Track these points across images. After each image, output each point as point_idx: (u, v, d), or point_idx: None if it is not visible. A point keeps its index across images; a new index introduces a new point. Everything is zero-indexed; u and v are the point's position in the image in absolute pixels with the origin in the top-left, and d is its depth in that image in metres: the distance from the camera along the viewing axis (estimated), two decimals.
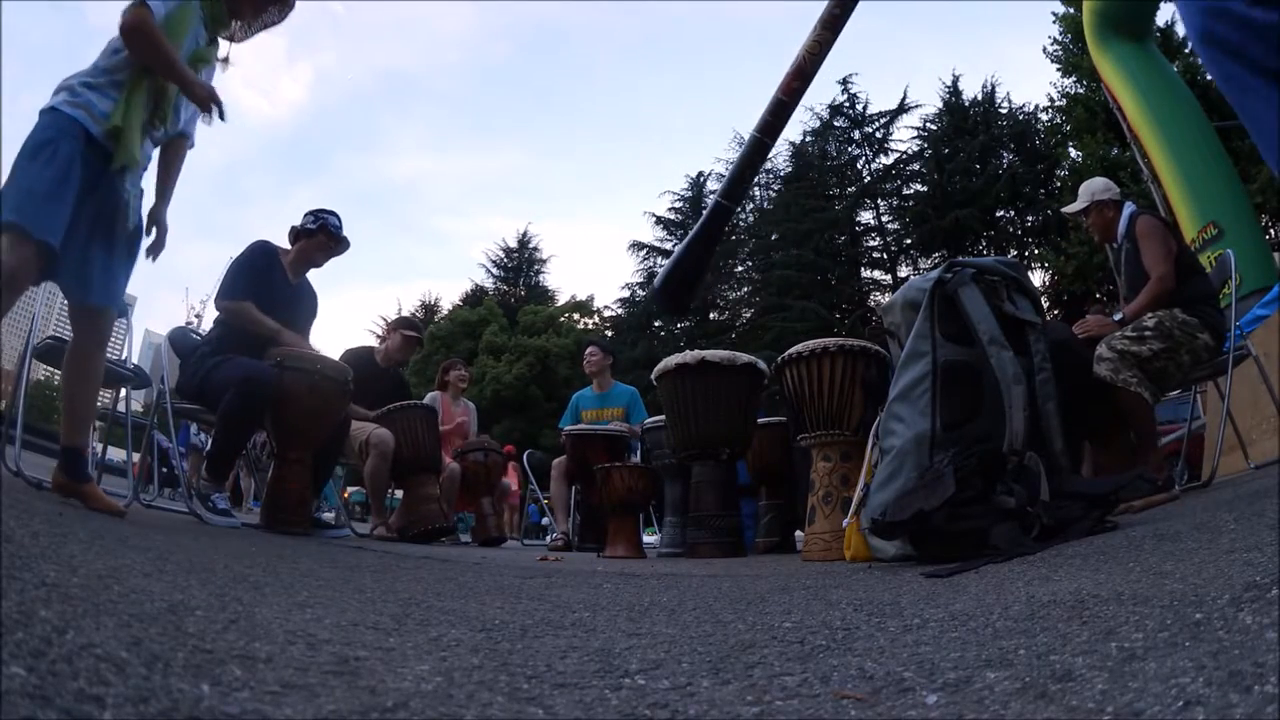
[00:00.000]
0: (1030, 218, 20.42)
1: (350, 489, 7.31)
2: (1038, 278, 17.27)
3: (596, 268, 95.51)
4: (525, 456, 6.96)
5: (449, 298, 30.59)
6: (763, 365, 3.49)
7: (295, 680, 0.58)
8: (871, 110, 22.62)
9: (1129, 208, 3.07)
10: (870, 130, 22.76)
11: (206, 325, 3.51)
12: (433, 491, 3.90)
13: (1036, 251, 18.41)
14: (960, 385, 1.98)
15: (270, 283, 3.06)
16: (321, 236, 3.18)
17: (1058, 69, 16.27)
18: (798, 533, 3.64)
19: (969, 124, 21.58)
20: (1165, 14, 9.86)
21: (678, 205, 26.13)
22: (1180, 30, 13.13)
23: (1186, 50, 13.07)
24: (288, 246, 3.21)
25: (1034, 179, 20.11)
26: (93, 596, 0.76)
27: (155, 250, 2.30)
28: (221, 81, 2.33)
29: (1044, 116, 19.35)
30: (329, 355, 3.26)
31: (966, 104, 22.03)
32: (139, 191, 2.13)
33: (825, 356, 2.68)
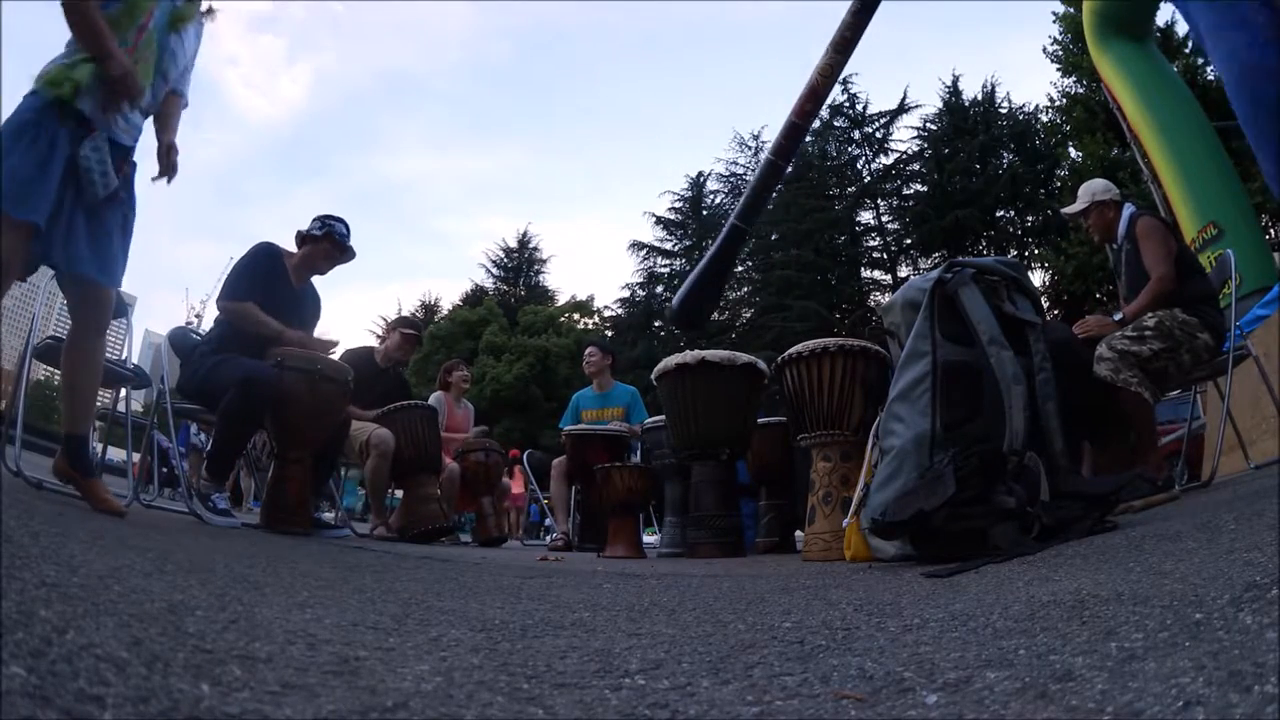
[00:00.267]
0: (1030, 218, 20.42)
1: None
2: (1038, 278, 17.27)
3: (596, 268, 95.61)
4: (525, 456, 6.95)
5: (449, 298, 30.62)
6: (763, 365, 3.49)
7: (295, 680, 0.58)
8: (871, 110, 22.63)
9: (1129, 208, 3.07)
10: (870, 130, 22.76)
11: (206, 325, 3.50)
12: (433, 491, 3.90)
13: (1036, 251, 18.40)
14: (960, 385, 1.98)
15: (273, 286, 3.05)
16: (326, 244, 3.16)
17: (1058, 69, 16.27)
18: (798, 533, 3.64)
19: (969, 124, 21.57)
20: (1165, 14, 9.86)
21: (678, 205, 26.15)
22: (1180, 30, 13.13)
23: (1187, 50, 13.07)
24: (293, 249, 3.20)
25: (1034, 179, 20.10)
26: (93, 596, 0.76)
27: (168, 174, 2.26)
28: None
29: (1044, 116, 19.34)
30: (329, 355, 3.26)
31: (966, 104, 22.02)
32: (102, 157, 2.04)
33: (825, 356, 2.68)
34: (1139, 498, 2.14)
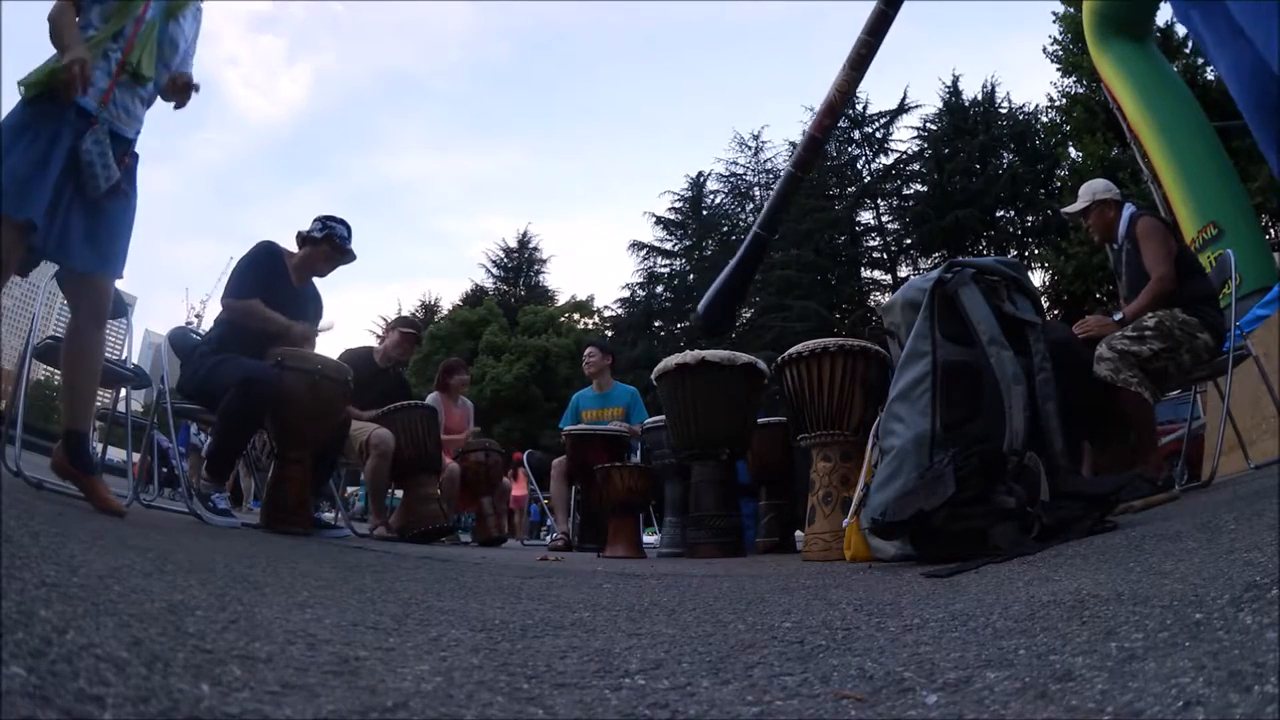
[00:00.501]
0: (1030, 218, 20.42)
1: (350, 489, 7.31)
2: (1038, 278, 17.27)
3: (596, 268, 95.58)
4: (525, 456, 6.95)
5: (449, 298, 30.64)
6: (763, 365, 3.49)
7: (295, 680, 0.58)
8: (871, 110, 22.62)
9: (1129, 209, 3.06)
10: (870, 130, 22.76)
11: (206, 325, 3.50)
12: (433, 491, 3.90)
13: (1036, 251, 18.41)
14: (960, 385, 1.98)
15: (275, 284, 3.05)
16: (326, 246, 3.15)
17: (1058, 69, 16.27)
18: (798, 533, 3.64)
19: (969, 124, 21.58)
20: (1165, 14, 9.86)
21: (678, 205, 26.16)
22: (1180, 30, 13.12)
23: (1187, 50, 13.07)
24: (294, 250, 3.20)
25: (1034, 179, 20.11)
26: (93, 596, 0.76)
27: (181, 101, 2.28)
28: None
29: (1044, 116, 19.35)
30: (329, 355, 3.26)
31: (966, 104, 22.03)
32: (104, 150, 2.06)
33: (825, 356, 2.68)
34: (1139, 498, 2.14)
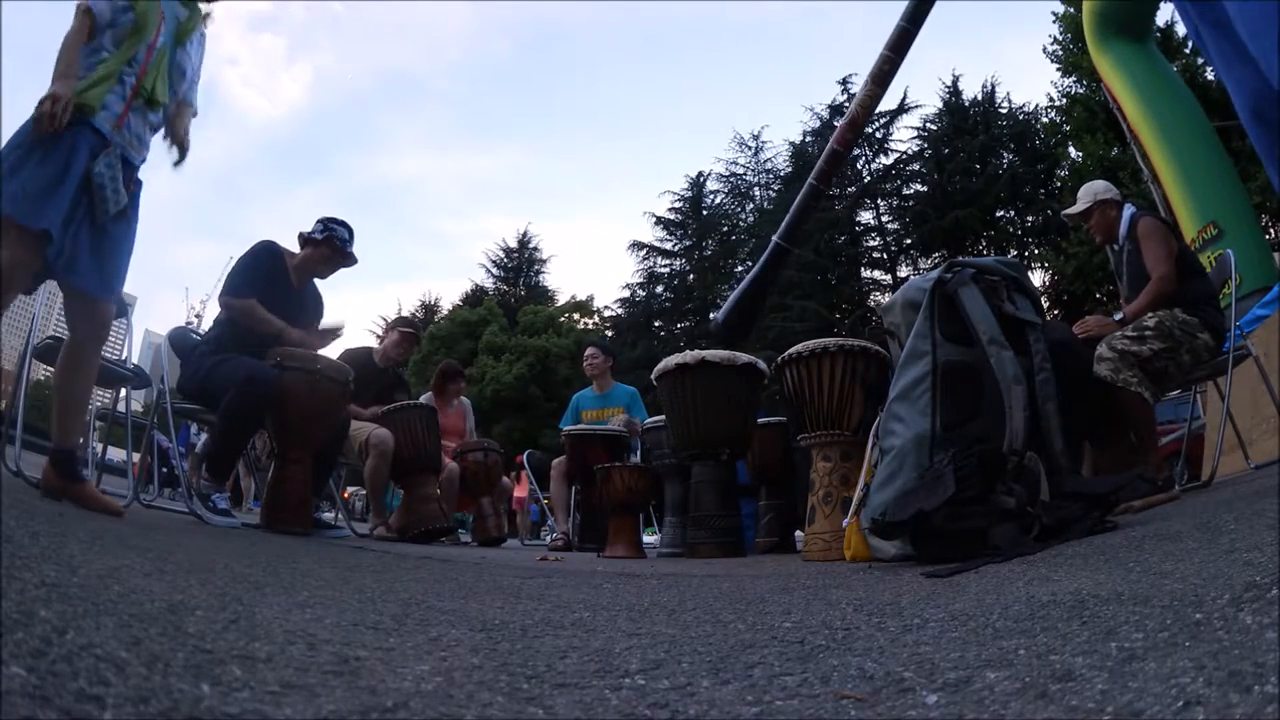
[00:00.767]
0: (1030, 218, 20.43)
1: (350, 489, 7.31)
2: (1038, 278, 17.29)
3: (596, 268, 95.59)
4: (525, 456, 6.95)
5: (449, 298, 30.66)
6: (763, 365, 3.49)
7: (295, 680, 0.58)
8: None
9: (1129, 209, 3.07)
10: (870, 130, 22.73)
11: (206, 325, 3.50)
12: (433, 491, 3.90)
13: (1036, 251, 18.42)
14: (960, 385, 1.98)
15: (274, 285, 3.04)
16: (326, 249, 3.15)
17: (1058, 69, 16.27)
18: (798, 533, 3.64)
19: (969, 124, 21.58)
20: (1165, 14, 9.86)
21: (678, 205, 26.18)
22: (1180, 30, 13.13)
23: (1187, 50, 13.07)
24: (295, 250, 3.19)
25: (1034, 179, 20.11)
26: (93, 596, 0.76)
27: (180, 155, 2.32)
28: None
29: (1044, 116, 19.35)
30: (328, 355, 3.26)
31: (966, 104, 22.03)
32: (115, 174, 2.09)
33: (825, 356, 2.68)
34: (1139, 498, 2.13)
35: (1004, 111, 21.75)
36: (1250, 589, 0.78)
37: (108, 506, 2.05)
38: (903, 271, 21.61)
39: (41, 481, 2.14)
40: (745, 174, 25.87)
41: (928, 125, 22.34)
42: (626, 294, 26.10)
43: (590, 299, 28.74)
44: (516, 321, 25.67)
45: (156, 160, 2.28)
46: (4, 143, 1.97)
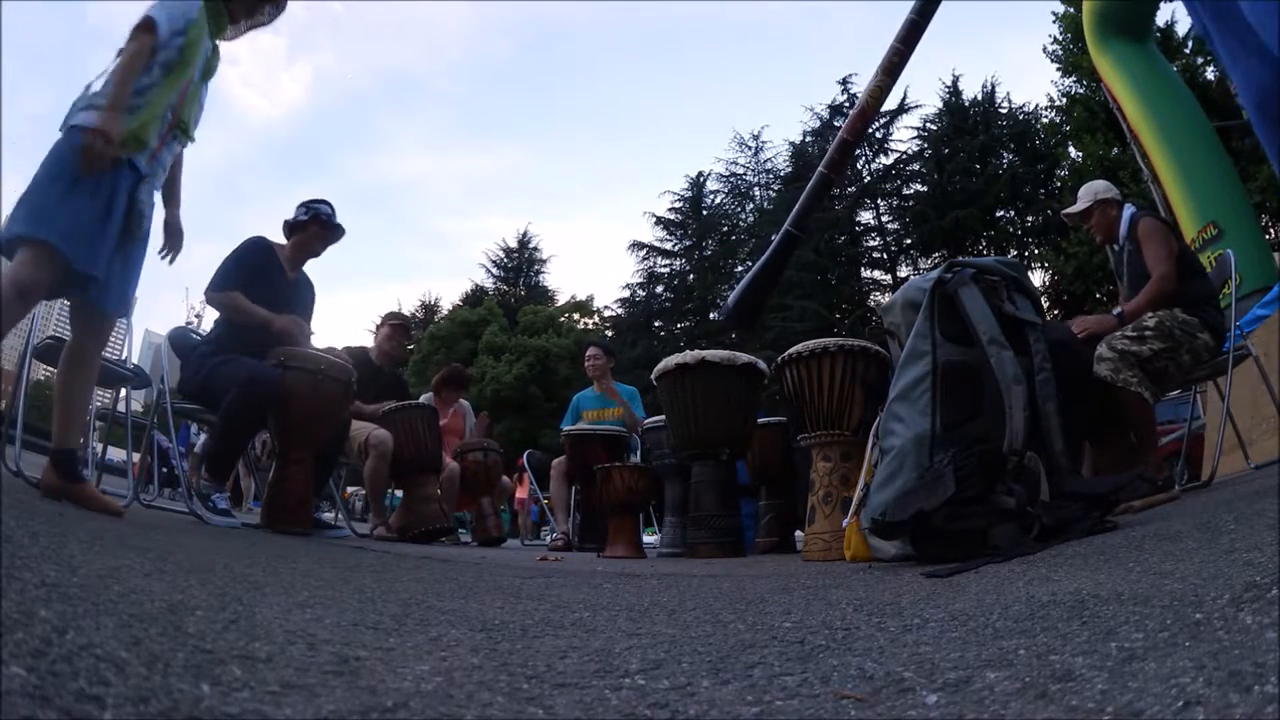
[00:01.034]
0: (1030, 218, 20.43)
1: (350, 489, 7.30)
2: (1038, 278, 17.28)
3: (596, 268, 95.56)
4: (525, 456, 6.95)
5: (449, 298, 30.68)
6: (763, 365, 3.49)
7: (295, 680, 0.58)
8: None
9: (1129, 209, 3.07)
10: (870, 130, 22.73)
11: (206, 325, 3.50)
12: (433, 492, 3.90)
13: (1036, 251, 18.42)
14: (960, 385, 1.98)
15: (268, 279, 3.05)
16: (314, 227, 3.19)
17: (1058, 69, 16.26)
18: (798, 533, 3.64)
19: (969, 124, 21.58)
20: (1165, 14, 9.87)
21: (678, 205, 26.18)
22: (1180, 30, 13.13)
23: (1187, 50, 13.07)
24: (283, 241, 3.21)
25: (1034, 179, 20.11)
26: (93, 596, 0.76)
27: (174, 253, 2.39)
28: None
29: (1044, 116, 19.34)
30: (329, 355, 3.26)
31: (966, 104, 22.02)
32: (153, 202, 2.20)
33: (825, 356, 2.68)
34: (1139, 498, 2.13)
35: (1004, 111, 21.75)
36: (1250, 589, 0.78)
37: (108, 506, 2.05)
38: (903, 271, 21.62)
39: (41, 481, 2.14)
40: (745, 174, 25.89)
41: (928, 125, 22.36)
42: (626, 294, 26.14)
43: (590, 299, 28.78)
44: (516, 321, 25.68)
45: None
46: (3, 143, 1.99)
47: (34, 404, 4.82)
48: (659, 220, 25.91)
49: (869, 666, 0.73)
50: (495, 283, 29.93)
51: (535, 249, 30.52)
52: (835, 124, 23.05)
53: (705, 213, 25.88)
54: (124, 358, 3.57)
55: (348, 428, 3.49)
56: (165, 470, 6.37)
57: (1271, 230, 13.01)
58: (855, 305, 22.11)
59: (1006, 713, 0.55)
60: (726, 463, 3.43)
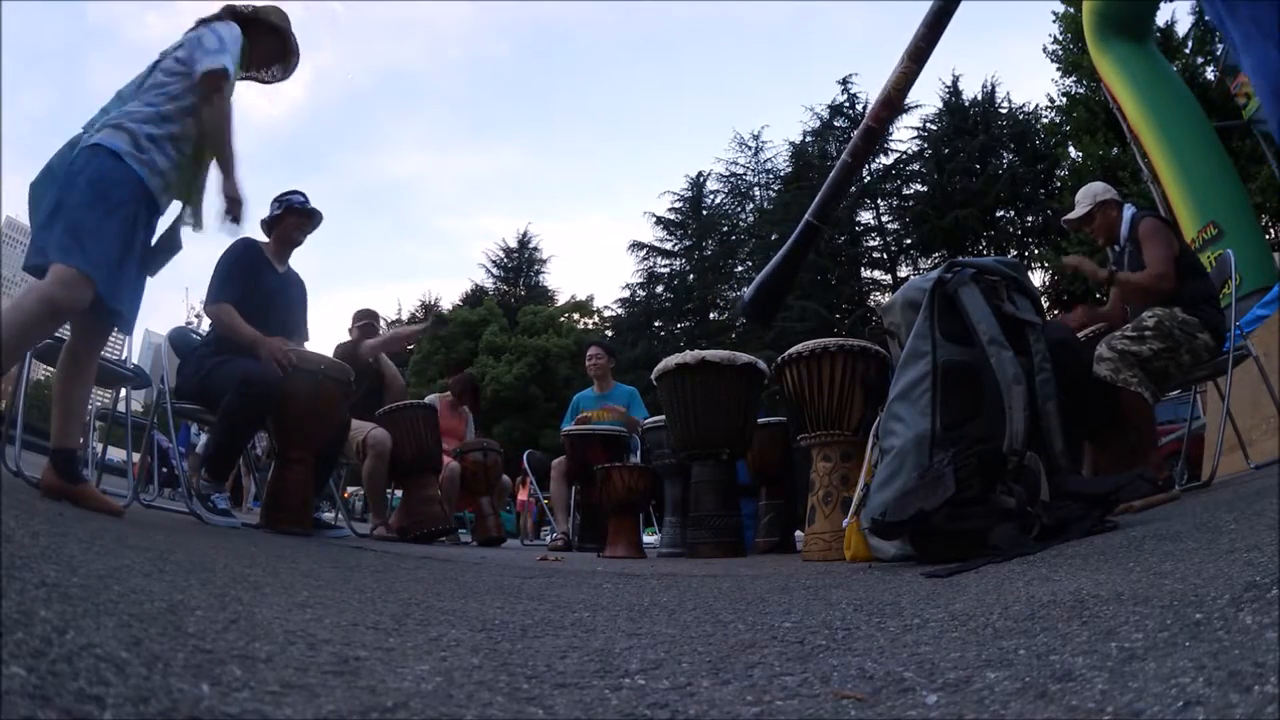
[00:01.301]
0: (1030, 218, 20.43)
1: (350, 488, 7.31)
2: (1038, 278, 17.29)
3: (596, 268, 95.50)
4: (525, 457, 6.95)
5: (449, 298, 30.68)
6: (763, 365, 3.49)
7: (295, 680, 0.58)
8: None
9: (1130, 209, 3.07)
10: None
11: (206, 325, 3.50)
12: (433, 492, 3.90)
13: (1036, 251, 18.42)
14: (960, 385, 1.98)
15: (258, 277, 3.06)
16: (290, 217, 3.20)
17: (1058, 69, 16.26)
18: (798, 533, 3.64)
19: (969, 124, 21.58)
20: (1165, 14, 9.87)
21: (678, 205, 26.18)
22: (1180, 30, 13.14)
23: (1187, 50, 13.07)
24: (266, 239, 3.22)
25: (1034, 179, 20.12)
26: (93, 596, 0.76)
27: (236, 221, 2.39)
28: None
29: (1044, 116, 19.34)
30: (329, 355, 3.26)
31: (966, 104, 22.03)
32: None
33: (825, 356, 2.68)
34: (1139, 498, 2.14)
35: (1004, 111, 21.76)
36: (1250, 589, 0.78)
37: (108, 506, 2.05)
38: (903, 271, 21.63)
39: (41, 481, 2.14)
40: (745, 174, 25.89)
41: (928, 125, 22.37)
42: (626, 294, 26.15)
43: (590, 299, 28.80)
44: (516, 321, 25.69)
45: None
46: (3, 143, 2.01)
47: (34, 404, 4.81)
48: (659, 220, 25.93)
49: (869, 666, 0.73)
50: (495, 283, 29.96)
51: (535, 249, 30.57)
52: (835, 124, 23.07)
53: (705, 213, 25.88)
54: (124, 358, 3.57)
55: (348, 428, 3.48)
56: (165, 470, 6.37)
57: (1271, 230, 13.01)
58: (855, 305, 22.12)
59: (1006, 713, 0.55)
60: (726, 463, 3.43)
